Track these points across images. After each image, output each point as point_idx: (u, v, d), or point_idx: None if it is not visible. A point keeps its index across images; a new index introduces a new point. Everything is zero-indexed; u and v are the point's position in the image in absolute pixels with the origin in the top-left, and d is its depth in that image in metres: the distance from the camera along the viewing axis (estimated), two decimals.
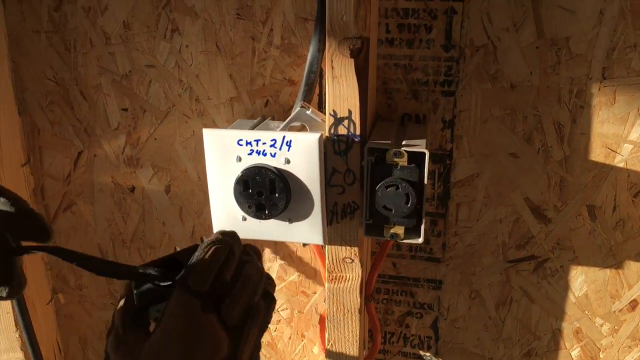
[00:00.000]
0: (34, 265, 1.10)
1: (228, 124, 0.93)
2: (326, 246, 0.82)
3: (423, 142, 0.76)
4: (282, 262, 1.01)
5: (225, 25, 0.88)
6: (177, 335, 0.44)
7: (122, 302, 0.50)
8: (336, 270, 0.84)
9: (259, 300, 0.52)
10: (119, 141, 0.99)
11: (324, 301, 0.97)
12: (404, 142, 0.76)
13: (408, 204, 0.75)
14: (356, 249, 0.82)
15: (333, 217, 0.81)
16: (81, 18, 0.92)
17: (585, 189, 0.85)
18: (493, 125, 0.84)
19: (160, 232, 1.04)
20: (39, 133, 1.02)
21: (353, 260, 0.83)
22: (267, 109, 0.91)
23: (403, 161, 0.74)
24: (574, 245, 0.88)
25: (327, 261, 0.84)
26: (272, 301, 0.55)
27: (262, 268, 0.55)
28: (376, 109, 0.87)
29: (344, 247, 0.82)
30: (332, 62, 0.72)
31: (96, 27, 0.92)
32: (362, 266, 0.84)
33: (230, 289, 0.49)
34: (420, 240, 0.77)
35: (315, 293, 1.02)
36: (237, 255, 0.51)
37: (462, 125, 0.85)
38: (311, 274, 1.01)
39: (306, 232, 0.79)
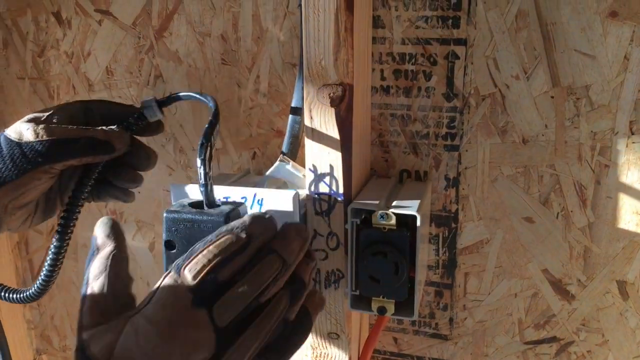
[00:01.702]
0: (16, 324, 1.03)
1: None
2: None
3: (416, 203, 0.66)
4: None
5: (209, 71, 0.81)
6: (158, 327, 0.41)
7: (107, 270, 0.46)
8: (320, 347, 0.74)
9: (274, 300, 0.46)
10: None
11: None
12: (394, 203, 0.66)
13: (397, 274, 0.65)
14: (342, 323, 0.71)
15: (315, 287, 0.71)
16: (64, 64, 0.88)
17: (614, 261, 0.72)
18: (504, 185, 0.74)
19: (144, 293, 0.96)
20: None
21: (339, 336, 0.72)
22: (254, 161, 0.83)
23: (391, 225, 0.64)
24: (602, 327, 0.75)
25: (310, 337, 0.73)
26: (296, 298, 0.48)
27: (292, 261, 0.47)
28: (371, 164, 0.78)
29: (328, 321, 0.72)
30: (310, 111, 0.64)
31: (79, 73, 0.87)
32: (350, 343, 0.73)
33: (232, 285, 0.44)
34: (414, 317, 0.67)
35: None
36: (251, 251, 0.46)
37: (468, 184, 0.75)
38: (304, 348, 0.90)
39: None
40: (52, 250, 0.58)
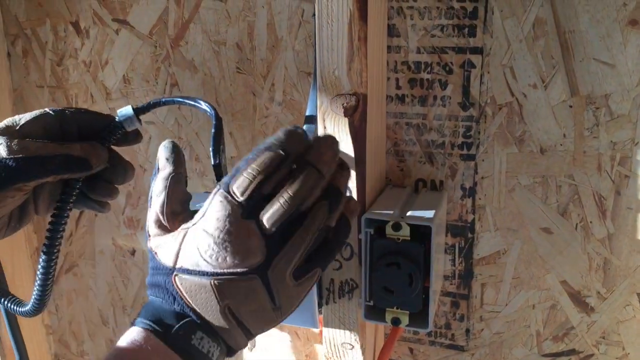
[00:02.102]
0: (35, 329, 1.04)
1: None
2: (323, 330, 0.72)
3: (431, 213, 0.65)
4: (289, 339, 0.91)
5: (225, 80, 0.81)
6: (215, 236, 0.47)
7: (166, 190, 0.52)
8: (334, 357, 0.73)
9: (314, 208, 0.50)
10: (119, 201, 0.94)
11: None
12: (409, 213, 0.66)
13: (411, 285, 0.64)
14: (357, 333, 0.71)
15: (329, 296, 0.70)
16: (82, 72, 0.89)
17: (634, 274, 0.71)
18: (521, 195, 0.73)
19: None
20: None
21: (353, 347, 0.72)
22: None
23: (405, 235, 0.63)
24: (623, 340, 0.74)
25: (324, 347, 0.73)
26: (335, 206, 0.52)
27: (326, 172, 0.51)
28: (387, 173, 0.77)
29: (342, 331, 0.71)
30: (324, 121, 0.64)
31: (97, 82, 0.88)
32: (364, 353, 0.72)
33: (274, 197, 0.49)
34: (428, 329, 0.66)
35: None
36: (288, 165, 0.50)
37: (485, 194, 0.74)
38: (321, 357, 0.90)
39: (295, 314, 0.69)
40: (40, 271, 0.57)
